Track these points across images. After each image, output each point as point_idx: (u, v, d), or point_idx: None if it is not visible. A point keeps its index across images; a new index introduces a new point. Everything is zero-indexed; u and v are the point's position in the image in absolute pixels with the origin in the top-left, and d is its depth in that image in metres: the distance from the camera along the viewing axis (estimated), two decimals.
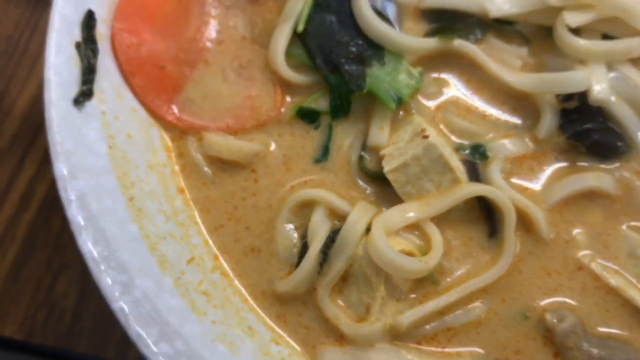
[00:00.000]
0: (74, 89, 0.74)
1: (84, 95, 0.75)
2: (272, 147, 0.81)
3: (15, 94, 1.06)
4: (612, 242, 0.76)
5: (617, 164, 0.79)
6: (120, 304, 0.66)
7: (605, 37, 0.80)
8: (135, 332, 0.65)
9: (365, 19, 0.80)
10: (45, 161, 1.02)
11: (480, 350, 0.74)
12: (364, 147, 0.80)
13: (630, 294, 0.73)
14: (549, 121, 0.78)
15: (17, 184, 1.01)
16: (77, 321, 0.94)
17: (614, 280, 0.74)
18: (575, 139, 0.78)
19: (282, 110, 0.82)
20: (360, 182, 0.79)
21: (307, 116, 0.81)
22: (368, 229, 0.74)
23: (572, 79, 0.76)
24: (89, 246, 0.67)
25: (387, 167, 0.75)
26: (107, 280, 0.66)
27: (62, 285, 0.95)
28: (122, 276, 0.68)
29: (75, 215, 0.68)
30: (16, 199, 1.00)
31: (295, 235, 0.78)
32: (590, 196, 0.78)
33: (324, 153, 0.81)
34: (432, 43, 0.81)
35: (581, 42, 0.77)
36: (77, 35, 0.77)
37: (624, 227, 0.77)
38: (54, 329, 0.94)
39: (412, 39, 0.81)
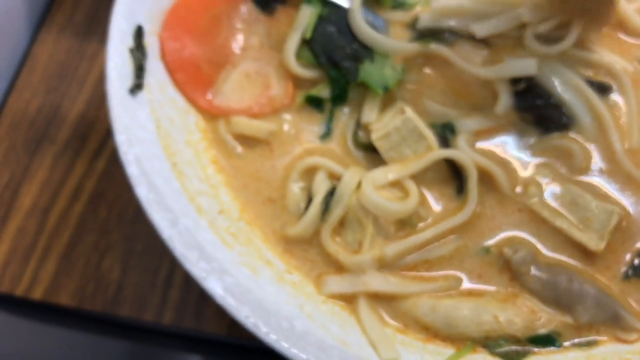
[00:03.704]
0: (129, 82, 0.95)
1: (137, 87, 0.95)
2: (285, 127, 1.04)
3: (67, 109, 1.25)
4: (558, 194, 0.98)
5: (562, 134, 1.00)
6: (169, 233, 0.86)
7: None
8: (180, 253, 0.85)
9: (359, 27, 1.03)
10: (91, 163, 1.20)
11: (457, 273, 0.95)
12: (358, 124, 1.02)
13: (571, 232, 0.95)
14: (504, 100, 1.00)
15: (69, 181, 1.18)
16: (120, 292, 1.09)
17: (558, 222, 0.97)
18: (526, 112, 1.01)
19: (294, 99, 1.05)
20: (355, 152, 1.02)
21: (313, 102, 1.04)
22: (359, 187, 0.96)
23: (519, 64, 0.99)
24: (144, 193, 0.87)
25: (375, 136, 0.98)
26: (158, 217, 0.86)
27: (107, 263, 1.12)
28: (169, 215, 0.87)
29: (134, 171, 0.88)
30: (68, 194, 1.17)
31: (303, 193, 1.00)
32: None
33: (327, 131, 1.04)
34: (413, 47, 1.03)
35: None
36: (130, 43, 0.97)
37: (566, 182, 0.99)
38: (101, 298, 1.09)
39: (396, 42, 1.03)
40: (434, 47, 1.03)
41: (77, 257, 1.14)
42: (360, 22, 1.03)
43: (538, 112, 1.01)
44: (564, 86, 1.01)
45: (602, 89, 1.03)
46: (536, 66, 0.99)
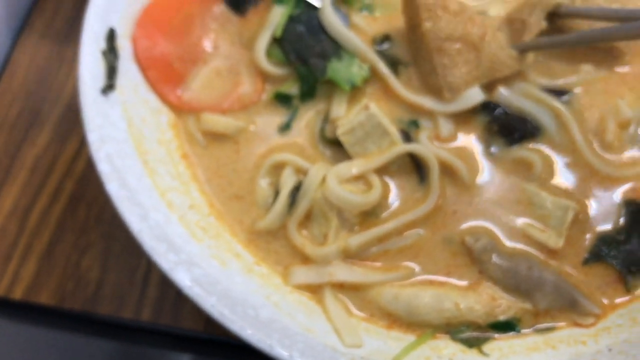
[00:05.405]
0: (101, 83, 0.98)
1: (109, 87, 0.98)
2: (253, 123, 1.08)
3: (47, 113, 1.30)
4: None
5: (522, 145, 1.06)
6: (139, 228, 0.89)
7: None
8: (149, 246, 0.88)
9: (331, 23, 1.07)
10: (71, 165, 1.24)
11: (413, 265, 1.00)
12: (326, 120, 1.06)
13: (530, 232, 1.00)
14: (445, 127, 1.07)
15: (49, 183, 1.23)
16: (99, 290, 1.13)
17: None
18: (490, 124, 1.06)
19: (263, 96, 1.09)
20: (322, 148, 1.06)
21: (282, 99, 1.09)
22: (324, 181, 1.00)
23: (467, 98, 1.05)
24: (115, 189, 0.91)
25: (340, 131, 1.02)
26: (129, 212, 0.90)
27: (87, 262, 1.17)
28: (140, 210, 0.91)
29: (105, 169, 0.91)
30: (49, 195, 1.22)
31: (270, 188, 1.04)
32: None
33: (287, 125, 1.08)
34: (373, 57, 1.07)
35: None
36: (102, 45, 1.00)
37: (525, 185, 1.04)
38: (80, 297, 1.13)
39: (362, 45, 1.07)
40: (385, 71, 1.08)
41: (57, 256, 1.18)
42: (333, 19, 1.08)
43: (499, 122, 1.06)
44: (518, 96, 1.06)
45: (558, 93, 1.08)
46: (482, 93, 1.05)
